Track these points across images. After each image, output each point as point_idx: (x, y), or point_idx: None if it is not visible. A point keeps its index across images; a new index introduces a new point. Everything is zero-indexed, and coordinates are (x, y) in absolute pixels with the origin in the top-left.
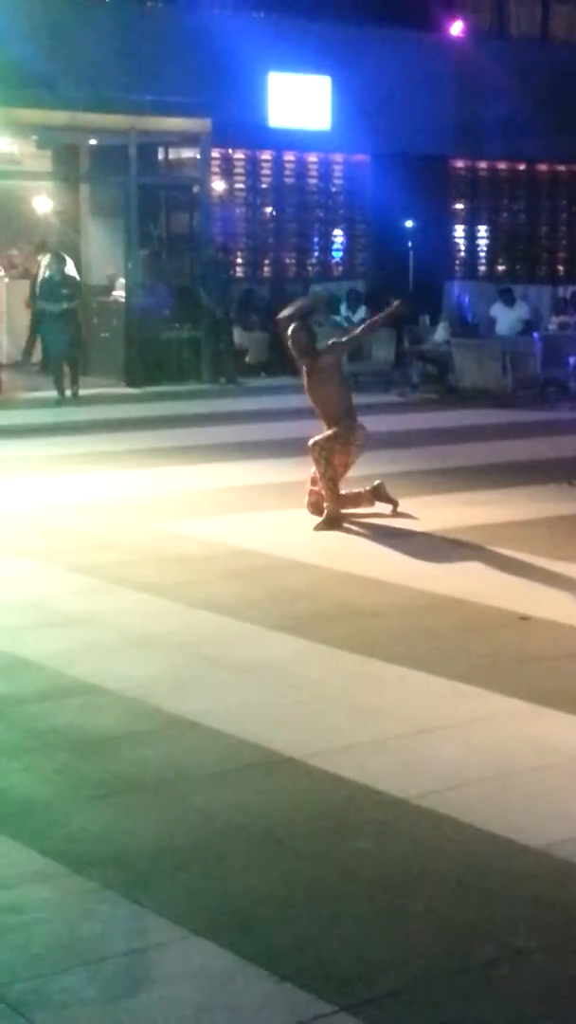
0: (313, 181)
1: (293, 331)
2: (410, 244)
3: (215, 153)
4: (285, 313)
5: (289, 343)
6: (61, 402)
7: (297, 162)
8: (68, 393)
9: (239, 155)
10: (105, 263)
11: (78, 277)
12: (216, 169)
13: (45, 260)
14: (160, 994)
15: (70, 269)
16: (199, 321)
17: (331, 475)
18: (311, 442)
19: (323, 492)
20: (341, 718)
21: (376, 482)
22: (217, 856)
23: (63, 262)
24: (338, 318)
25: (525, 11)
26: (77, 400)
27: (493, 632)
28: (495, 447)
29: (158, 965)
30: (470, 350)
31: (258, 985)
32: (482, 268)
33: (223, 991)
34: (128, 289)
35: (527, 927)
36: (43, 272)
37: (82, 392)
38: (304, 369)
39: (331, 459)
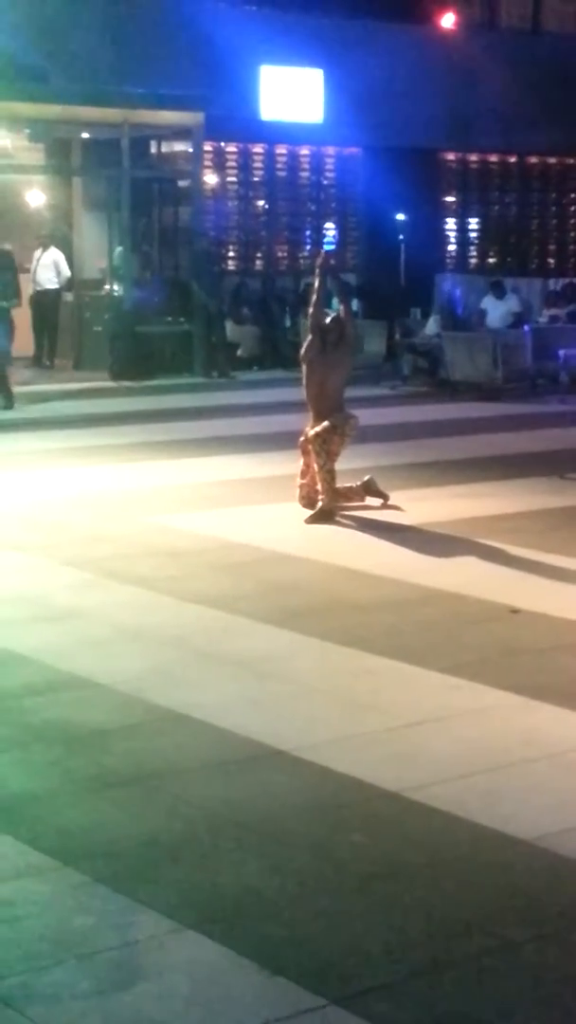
0: (305, 174)
1: (350, 315)
2: (401, 237)
3: (207, 146)
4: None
5: (340, 324)
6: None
7: (289, 155)
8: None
9: (231, 148)
10: (97, 257)
11: (68, 271)
12: (208, 162)
13: (38, 254)
14: (152, 987)
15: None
16: (191, 315)
17: (330, 467)
18: (312, 433)
19: (320, 485)
20: (332, 711)
21: (366, 477)
22: (208, 849)
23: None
24: (330, 311)
25: (516, 3)
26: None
27: (484, 625)
28: (486, 440)
29: (149, 958)
30: (461, 343)
31: (249, 978)
32: (473, 261)
33: (214, 984)
34: (120, 283)
35: (518, 919)
36: (35, 266)
37: (74, 386)
38: (326, 358)
39: (331, 451)
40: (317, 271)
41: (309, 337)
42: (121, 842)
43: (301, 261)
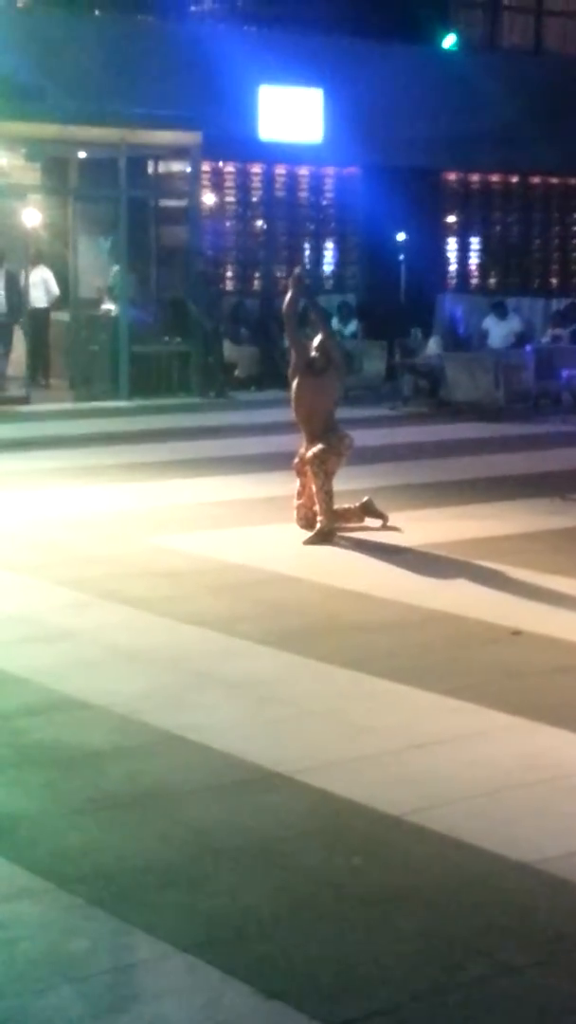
0: (304, 194)
1: (330, 339)
2: (402, 257)
3: (205, 166)
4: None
5: (325, 351)
6: None
7: (288, 175)
8: None
9: (229, 168)
10: (94, 276)
11: (56, 290)
12: (206, 182)
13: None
14: (146, 1011)
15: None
16: (189, 334)
17: (328, 488)
18: (309, 455)
19: (318, 506)
20: (331, 733)
21: (365, 498)
22: (205, 872)
23: None
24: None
25: (518, 23)
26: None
27: (484, 647)
28: (487, 461)
29: (144, 982)
30: (462, 363)
31: (246, 1002)
32: (474, 281)
33: (210, 1008)
34: (118, 303)
35: (519, 943)
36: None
37: (72, 406)
38: (315, 383)
39: (328, 471)
40: (290, 290)
41: (294, 358)
42: (116, 864)
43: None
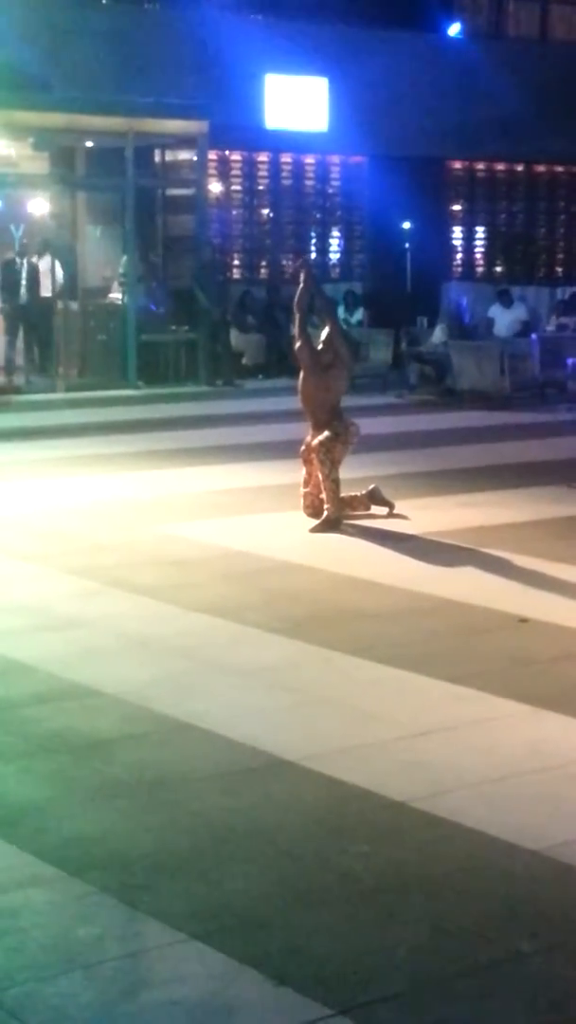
0: (310, 183)
1: (338, 333)
2: (407, 246)
3: (212, 155)
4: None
5: (332, 346)
6: None
7: (294, 164)
8: None
9: (236, 157)
10: (102, 265)
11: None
12: (213, 171)
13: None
14: (156, 998)
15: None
16: (196, 323)
17: (335, 476)
18: (315, 443)
19: (324, 494)
20: (338, 721)
21: (371, 486)
22: (214, 859)
23: None
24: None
25: (523, 12)
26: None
27: (492, 634)
28: (493, 449)
29: (154, 969)
30: (468, 352)
31: (255, 989)
32: (480, 269)
33: (220, 995)
34: (126, 291)
35: (526, 930)
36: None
37: (79, 395)
38: (324, 361)
39: (335, 459)
40: (301, 283)
41: (298, 344)
42: (126, 852)
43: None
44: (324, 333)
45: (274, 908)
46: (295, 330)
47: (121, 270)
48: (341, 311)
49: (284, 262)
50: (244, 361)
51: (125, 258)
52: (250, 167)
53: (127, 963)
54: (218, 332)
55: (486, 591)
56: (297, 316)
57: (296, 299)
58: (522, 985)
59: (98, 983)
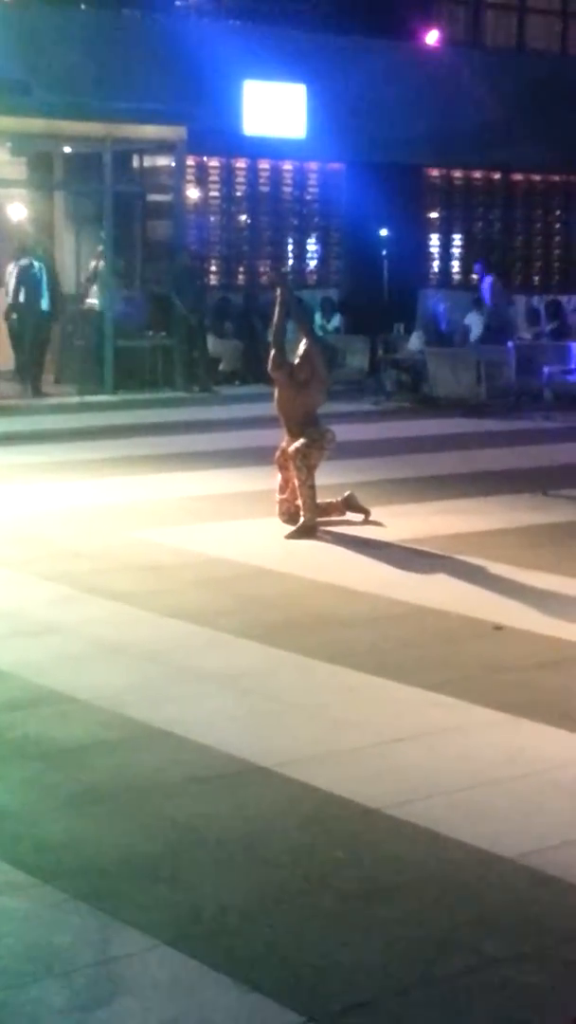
0: (288, 189)
1: (315, 348)
2: (384, 253)
3: (190, 161)
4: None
5: (309, 361)
6: None
7: (272, 170)
8: None
9: (214, 163)
10: (79, 271)
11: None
12: (191, 177)
13: (11, 268)
14: (130, 1005)
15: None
16: (173, 329)
17: (311, 482)
18: (291, 449)
19: (300, 500)
20: (313, 727)
21: (347, 493)
22: (188, 866)
23: None
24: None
25: (501, 21)
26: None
27: (467, 642)
28: (469, 456)
29: (128, 976)
30: (444, 359)
31: (228, 995)
32: (457, 277)
33: (193, 1001)
34: (103, 297)
35: (500, 937)
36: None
37: (56, 400)
38: (300, 378)
39: (311, 465)
40: (279, 297)
41: (272, 352)
42: (100, 859)
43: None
44: (301, 347)
45: (247, 915)
46: (273, 344)
47: (90, 275)
48: (318, 318)
49: (262, 269)
50: (221, 367)
51: (93, 263)
52: (228, 173)
53: (101, 970)
54: (195, 338)
55: (461, 598)
56: (275, 334)
57: (273, 329)
58: (495, 992)
59: (72, 990)
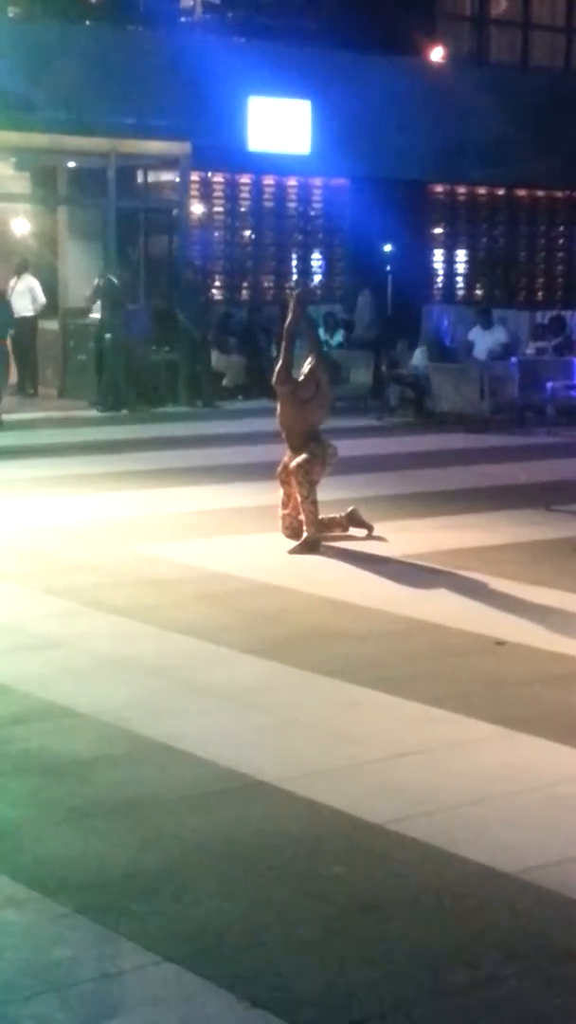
0: (292, 205)
1: (320, 366)
2: (389, 268)
3: (194, 176)
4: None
5: (315, 378)
6: None
7: (276, 186)
8: None
9: (218, 178)
10: (83, 285)
11: (43, 298)
12: (195, 192)
13: (12, 282)
14: (130, 1020)
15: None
16: (177, 344)
17: (313, 498)
18: (293, 464)
19: (303, 515)
20: (314, 742)
21: (350, 508)
22: (189, 881)
23: None
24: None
25: (505, 37)
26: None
27: (468, 657)
28: (472, 471)
29: (129, 991)
30: (448, 374)
31: (229, 1011)
32: (461, 292)
33: (194, 1017)
34: (106, 311)
35: (501, 953)
36: (10, 294)
37: (59, 415)
38: (303, 396)
39: (314, 481)
40: (291, 311)
41: (279, 363)
42: (101, 873)
43: (287, 291)
44: (306, 365)
45: (249, 930)
46: (281, 358)
47: (94, 291)
48: (321, 333)
49: (266, 284)
50: (224, 382)
51: (97, 280)
52: (232, 189)
53: (102, 985)
54: (199, 353)
55: (463, 613)
56: (285, 345)
57: (287, 325)
58: (497, 1008)
59: (73, 1005)
